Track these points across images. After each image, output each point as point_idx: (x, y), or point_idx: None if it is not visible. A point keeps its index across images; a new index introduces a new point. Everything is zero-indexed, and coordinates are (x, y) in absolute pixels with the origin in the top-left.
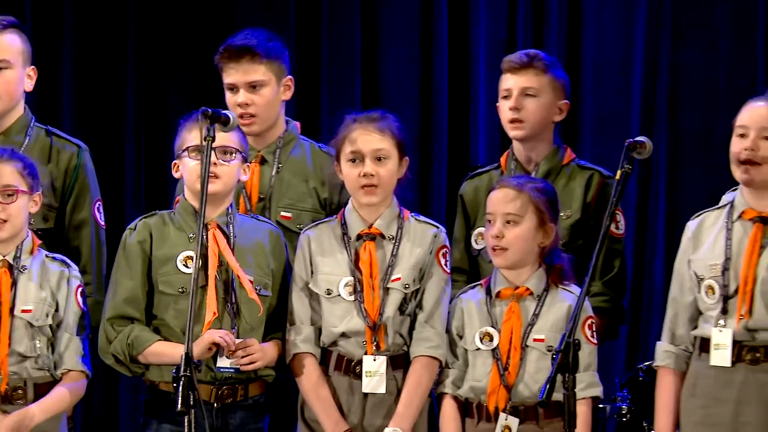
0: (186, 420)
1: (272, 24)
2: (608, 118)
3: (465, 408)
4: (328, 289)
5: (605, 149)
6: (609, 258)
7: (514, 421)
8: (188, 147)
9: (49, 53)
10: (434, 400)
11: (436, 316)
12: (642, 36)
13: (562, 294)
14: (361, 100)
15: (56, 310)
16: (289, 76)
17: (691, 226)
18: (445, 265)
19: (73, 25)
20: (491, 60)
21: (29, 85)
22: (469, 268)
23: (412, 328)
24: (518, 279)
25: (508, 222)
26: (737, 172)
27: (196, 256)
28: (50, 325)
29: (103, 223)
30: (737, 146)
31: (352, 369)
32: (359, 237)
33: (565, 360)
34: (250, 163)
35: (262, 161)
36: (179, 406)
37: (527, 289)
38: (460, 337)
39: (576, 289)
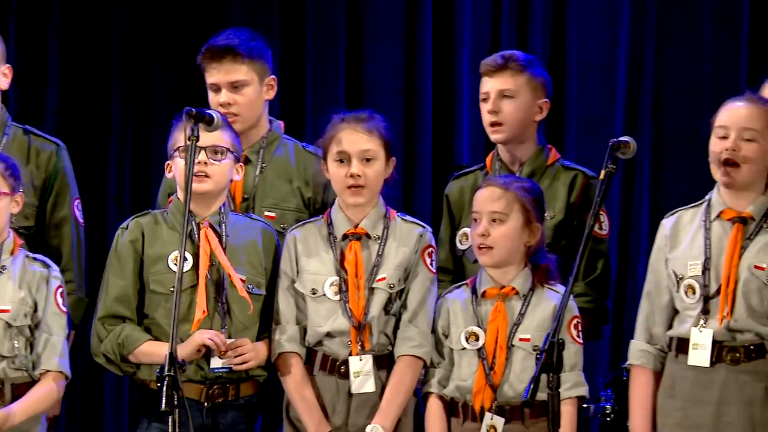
0: (170, 420)
1: (257, 24)
2: (592, 118)
3: (450, 407)
4: (313, 289)
5: (589, 149)
6: (592, 258)
7: (499, 421)
8: (179, 147)
9: (35, 52)
10: (420, 399)
11: (421, 316)
12: (626, 36)
13: (548, 294)
14: (346, 100)
15: (35, 311)
16: (272, 76)
17: (666, 224)
18: (431, 264)
19: (59, 25)
20: (475, 60)
21: (5, 83)
22: (455, 268)
23: (397, 327)
24: (504, 278)
25: (494, 221)
26: (717, 173)
27: (181, 256)
28: (29, 326)
29: (82, 221)
30: (717, 147)
31: (337, 369)
32: (345, 237)
33: (549, 360)
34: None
35: (246, 161)
36: (163, 405)
37: (513, 288)
38: (446, 337)
39: (562, 289)
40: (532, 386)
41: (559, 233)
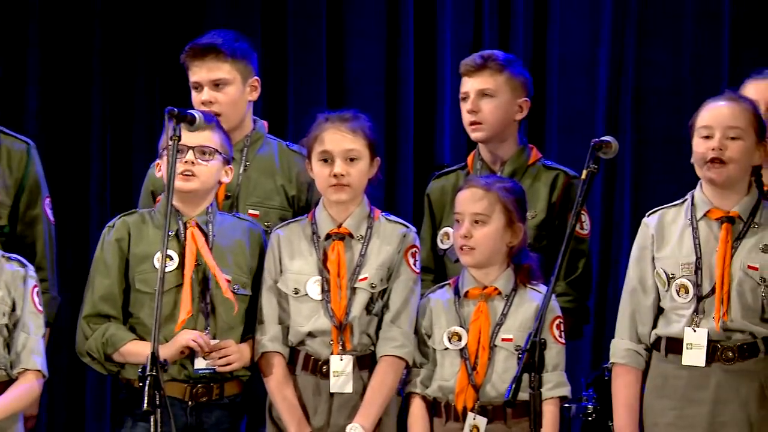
0: (152, 419)
1: (238, 24)
2: (574, 118)
3: (433, 407)
4: (295, 289)
5: (571, 149)
6: (573, 258)
7: (482, 421)
8: (167, 146)
9: (15, 53)
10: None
11: (403, 316)
12: (607, 35)
13: (530, 294)
14: (327, 100)
15: (13, 310)
16: (256, 77)
17: (649, 222)
18: (414, 265)
19: (39, 25)
20: (457, 59)
21: None
22: (436, 268)
23: (379, 327)
24: (486, 279)
25: (476, 221)
26: (703, 172)
27: (163, 255)
28: (6, 325)
29: (53, 219)
30: (702, 147)
31: (318, 369)
32: (328, 236)
33: (531, 359)
34: None
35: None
36: (145, 405)
37: (495, 288)
38: (429, 337)
39: (544, 289)
40: (513, 386)
41: (540, 233)
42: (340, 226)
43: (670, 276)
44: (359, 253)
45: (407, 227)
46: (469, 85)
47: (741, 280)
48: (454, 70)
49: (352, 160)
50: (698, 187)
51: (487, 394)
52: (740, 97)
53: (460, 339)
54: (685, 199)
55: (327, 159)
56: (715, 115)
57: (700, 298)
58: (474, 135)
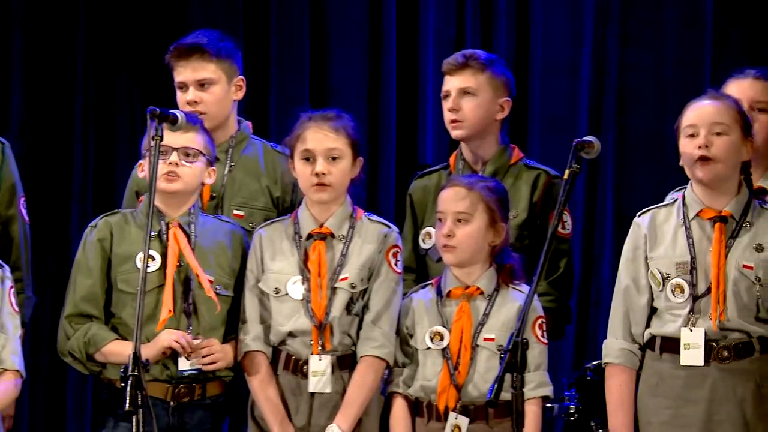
0: (134, 420)
1: (221, 24)
2: (556, 118)
3: (415, 407)
4: (276, 288)
5: (553, 149)
6: (555, 258)
7: (464, 421)
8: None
9: None
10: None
11: (384, 317)
12: (590, 36)
13: (512, 294)
14: (310, 100)
15: None
16: (241, 77)
17: (642, 222)
18: (396, 265)
19: (22, 27)
20: (439, 60)
21: None
22: (418, 267)
23: (360, 328)
24: (469, 278)
25: (458, 221)
26: (692, 171)
27: (145, 255)
28: None
29: (28, 219)
30: (689, 146)
31: (299, 368)
32: (310, 236)
33: (513, 359)
34: None
35: (215, 159)
36: (127, 405)
37: (478, 288)
38: (411, 336)
39: (527, 289)
40: (495, 386)
41: (522, 233)
42: (321, 225)
43: (665, 276)
44: (340, 253)
45: (389, 227)
46: (451, 83)
47: (736, 280)
48: (436, 71)
49: (334, 159)
50: (689, 187)
51: (469, 393)
52: (723, 95)
53: (442, 339)
54: (675, 200)
55: (309, 158)
56: (699, 113)
57: (695, 298)
58: (454, 133)
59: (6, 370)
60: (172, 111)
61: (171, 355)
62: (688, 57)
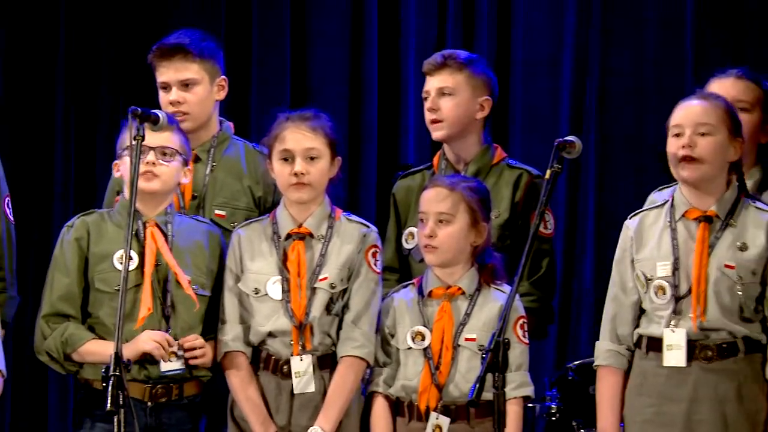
0: (116, 420)
1: (203, 24)
2: (538, 118)
3: (396, 407)
4: (256, 288)
5: (535, 148)
6: (537, 258)
7: (445, 421)
8: (128, 146)
9: None
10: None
11: (364, 317)
12: (571, 36)
13: (494, 294)
14: (291, 100)
15: None
16: (223, 76)
17: (630, 225)
18: (375, 265)
19: (3, 26)
20: (421, 59)
21: None
22: (401, 267)
23: (340, 328)
24: (450, 278)
25: (440, 221)
26: (677, 171)
27: (126, 254)
28: None
29: (12, 219)
30: (674, 146)
31: (279, 368)
32: (289, 236)
33: (495, 359)
34: None
35: (196, 159)
36: (108, 405)
37: (459, 288)
38: (392, 336)
39: (508, 289)
40: (477, 386)
41: (503, 232)
42: (300, 225)
43: (648, 278)
44: (319, 253)
45: (368, 227)
46: (430, 84)
47: (717, 280)
48: (418, 71)
49: (312, 158)
50: (677, 188)
51: (450, 393)
52: (712, 95)
53: (423, 338)
54: (667, 201)
55: (287, 158)
56: (685, 113)
57: (678, 299)
58: (434, 134)
59: None
60: (153, 111)
61: (150, 356)
62: (669, 57)
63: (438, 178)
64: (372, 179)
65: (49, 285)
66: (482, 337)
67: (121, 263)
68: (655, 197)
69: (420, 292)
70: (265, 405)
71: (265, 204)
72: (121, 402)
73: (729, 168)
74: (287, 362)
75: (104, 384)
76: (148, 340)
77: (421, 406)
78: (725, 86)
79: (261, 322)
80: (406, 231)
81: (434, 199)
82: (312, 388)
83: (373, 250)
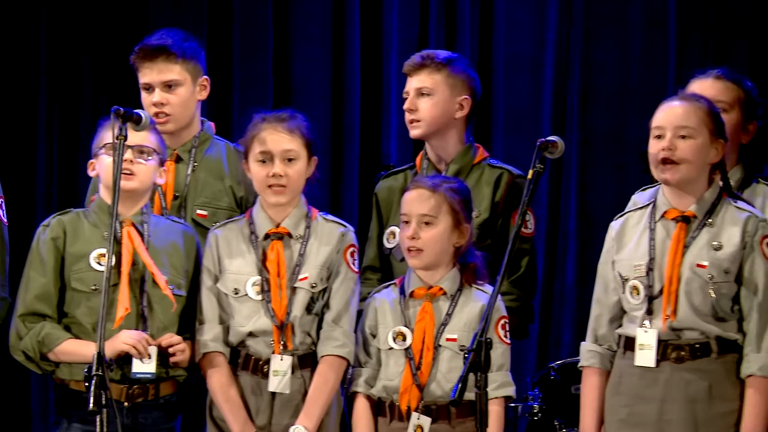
0: (98, 420)
1: (185, 24)
2: (520, 117)
3: (378, 407)
4: (235, 289)
5: (517, 148)
6: (516, 257)
7: (426, 421)
8: (105, 144)
9: None
10: (345, 400)
11: (344, 316)
12: (553, 35)
13: (475, 294)
14: (274, 100)
15: None
16: (205, 76)
17: (614, 226)
18: (353, 264)
19: None
20: (403, 59)
21: None
22: (383, 267)
23: (320, 327)
24: (432, 279)
25: (424, 223)
26: (656, 173)
27: (109, 254)
28: None
29: (6, 221)
30: (655, 147)
31: (260, 368)
32: (267, 236)
33: (477, 359)
34: (166, 161)
35: (178, 159)
36: (91, 405)
37: (441, 289)
38: (374, 336)
39: (490, 289)
40: (459, 386)
41: (484, 232)
42: (278, 225)
43: (624, 278)
44: (298, 253)
45: (345, 227)
46: (409, 84)
47: (689, 279)
48: (400, 71)
49: (290, 160)
50: (660, 189)
51: (432, 393)
52: (694, 97)
53: (404, 339)
54: (652, 201)
55: (265, 160)
56: (666, 115)
57: (651, 299)
58: (412, 133)
59: None
60: (136, 111)
61: (126, 357)
62: (652, 56)
63: (420, 179)
64: (354, 179)
65: (25, 284)
66: (463, 338)
67: (98, 263)
68: (637, 198)
69: (402, 292)
70: (246, 406)
71: (246, 204)
72: (103, 402)
73: (711, 168)
74: (267, 362)
75: (86, 383)
76: (126, 340)
77: (402, 406)
78: (704, 87)
79: (241, 322)
80: (388, 230)
81: (417, 201)
82: (289, 389)
83: (351, 249)
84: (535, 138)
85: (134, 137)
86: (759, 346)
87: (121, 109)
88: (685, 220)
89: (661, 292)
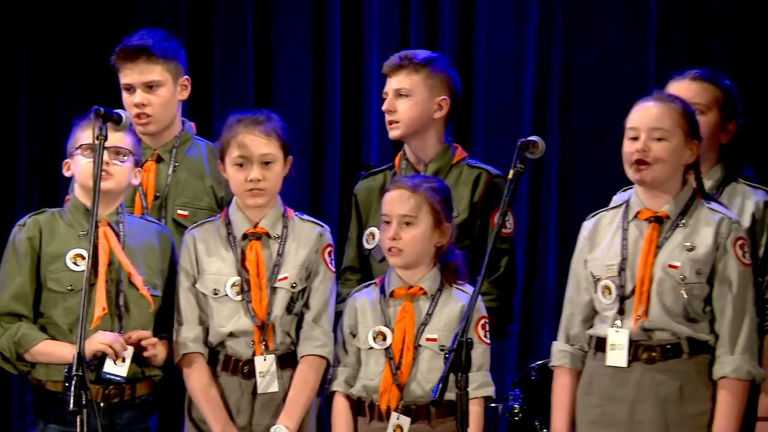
0: (78, 420)
1: (165, 23)
2: (500, 117)
3: (357, 407)
4: (215, 289)
5: (497, 148)
6: (496, 257)
7: (405, 421)
8: (81, 145)
9: None
10: (322, 399)
11: (324, 316)
12: (534, 34)
13: (456, 294)
14: (254, 100)
15: None
16: (186, 76)
17: (587, 225)
18: (331, 263)
19: None
20: (384, 59)
21: None
22: (362, 267)
23: (299, 327)
24: (412, 278)
25: (405, 223)
26: (630, 173)
27: (89, 254)
28: None
29: None
30: (629, 148)
31: (240, 369)
32: (245, 236)
33: (458, 359)
34: (147, 161)
35: (159, 159)
36: (71, 405)
37: (421, 288)
38: (354, 336)
39: (470, 289)
40: (440, 386)
41: (462, 232)
42: (256, 225)
43: (596, 278)
44: (277, 253)
45: (322, 226)
46: (388, 85)
47: (661, 280)
48: (380, 71)
49: (267, 163)
50: (633, 189)
51: (411, 393)
52: (669, 97)
53: (384, 338)
54: (625, 201)
55: (242, 164)
56: (641, 116)
57: (623, 299)
58: (391, 134)
59: None
60: (116, 111)
61: (102, 357)
62: (632, 56)
63: (400, 179)
64: (335, 179)
65: (1, 284)
66: (443, 338)
67: (74, 263)
68: (618, 199)
69: (382, 291)
70: (226, 406)
71: (227, 204)
72: (83, 402)
73: (686, 169)
74: (248, 362)
75: (66, 384)
76: (102, 339)
77: (382, 406)
78: (681, 88)
79: (221, 322)
80: (367, 231)
81: (397, 201)
82: (275, 388)
83: (329, 249)
84: (516, 138)
85: (111, 138)
86: (732, 348)
87: (102, 109)
88: (658, 220)
89: (632, 292)
